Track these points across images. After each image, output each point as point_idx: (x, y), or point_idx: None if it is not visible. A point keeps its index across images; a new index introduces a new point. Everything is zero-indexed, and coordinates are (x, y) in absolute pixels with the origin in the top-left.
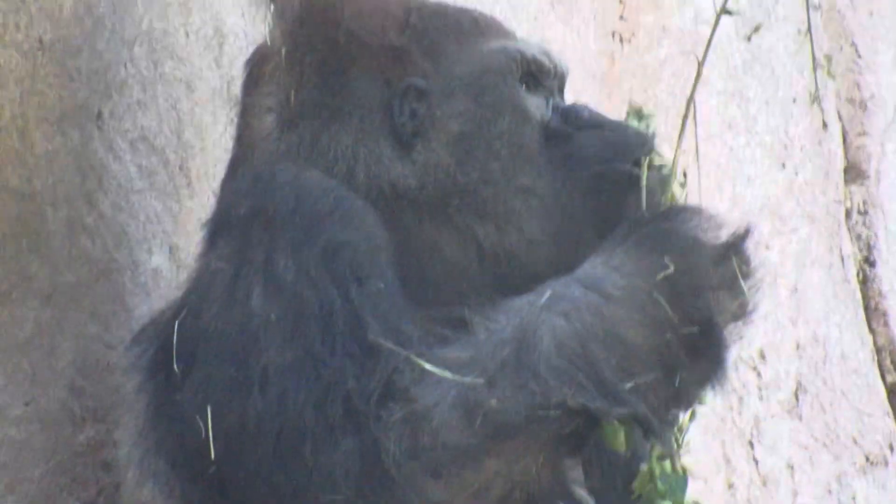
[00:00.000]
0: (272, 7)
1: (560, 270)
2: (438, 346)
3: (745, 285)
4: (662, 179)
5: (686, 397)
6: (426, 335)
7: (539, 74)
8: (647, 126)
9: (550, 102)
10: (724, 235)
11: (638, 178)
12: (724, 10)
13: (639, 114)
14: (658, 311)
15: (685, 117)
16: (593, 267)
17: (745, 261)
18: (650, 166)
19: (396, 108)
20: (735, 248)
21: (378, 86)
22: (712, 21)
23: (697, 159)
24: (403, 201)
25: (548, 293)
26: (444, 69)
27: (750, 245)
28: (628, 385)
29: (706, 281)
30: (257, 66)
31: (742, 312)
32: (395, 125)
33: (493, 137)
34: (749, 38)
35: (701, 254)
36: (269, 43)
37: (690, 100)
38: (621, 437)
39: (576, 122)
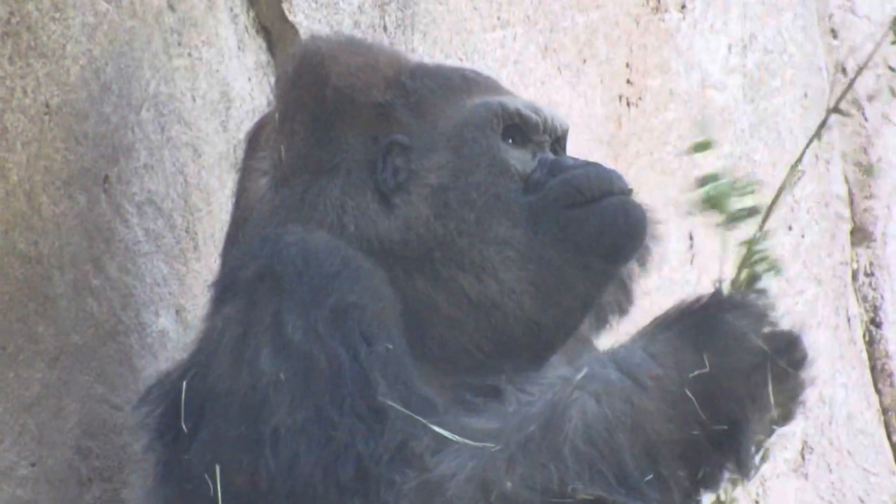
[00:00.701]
0: (277, 78)
1: (552, 318)
2: (464, 413)
3: (786, 387)
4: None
5: (706, 487)
6: (451, 400)
7: (525, 128)
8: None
9: (538, 156)
10: (773, 336)
11: (624, 208)
12: (836, 110)
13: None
14: (688, 408)
15: (774, 199)
16: (633, 350)
17: (793, 362)
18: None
19: (380, 165)
20: (782, 352)
21: (364, 142)
22: (719, 85)
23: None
24: (392, 257)
25: (584, 370)
26: (427, 125)
27: (801, 347)
28: (648, 476)
29: (741, 385)
30: (255, 134)
31: (783, 416)
32: (379, 181)
33: (470, 188)
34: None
35: (742, 356)
36: (268, 115)
37: (775, 200)
38: None
39: (557, 170)
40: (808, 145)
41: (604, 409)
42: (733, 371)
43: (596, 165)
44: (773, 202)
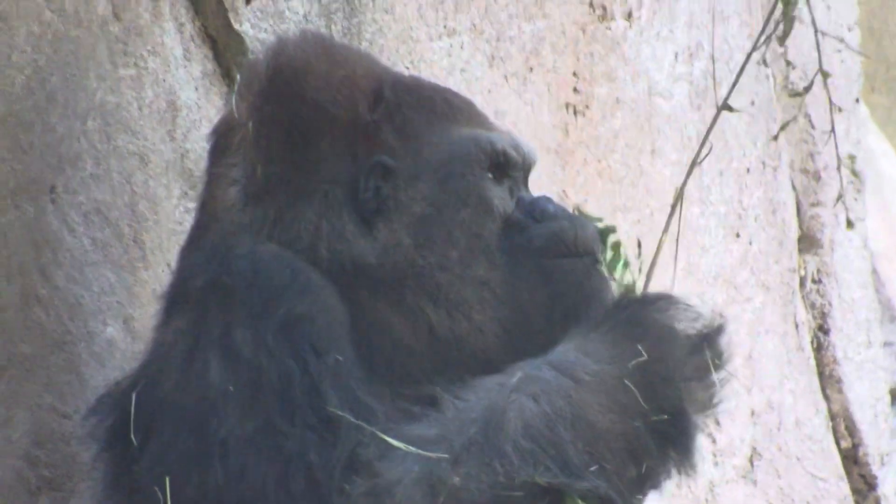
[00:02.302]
0: (239, 78)
1: (509, 358)
2: (405, 421)
3: (716, 377)
4: (616, 268)
5: (652, 481)
6: (392, 410)
7: (506, 166)
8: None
9: (515, 193)
10: (698, 326)
11: (595, 270)
12: (726, 107)
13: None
14: (628, 399)
15: (671, 214)
16: (566, 351)
17: (717, 353)
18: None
19: (362, 185)
20: (708, 340)
21: (345, 161)
22: (666, 93)
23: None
24: (362, 278)
25: (518, 374)
26: (413, 150)
27: (723, 338)
28: (593, 468)
29: (678, 371)
30: (223, 136)
31: (711, 403)
32: (359, 201)
33: (455, 225)
34: (776, 138)
35: (675, 344)
36: (235, 114)
37: (678, 197)
38: None
39: (536, 214)
40: (701, 147)
41: (542, 407)
42: (670, 358)
43: (578, 219)
44: (672, 214)
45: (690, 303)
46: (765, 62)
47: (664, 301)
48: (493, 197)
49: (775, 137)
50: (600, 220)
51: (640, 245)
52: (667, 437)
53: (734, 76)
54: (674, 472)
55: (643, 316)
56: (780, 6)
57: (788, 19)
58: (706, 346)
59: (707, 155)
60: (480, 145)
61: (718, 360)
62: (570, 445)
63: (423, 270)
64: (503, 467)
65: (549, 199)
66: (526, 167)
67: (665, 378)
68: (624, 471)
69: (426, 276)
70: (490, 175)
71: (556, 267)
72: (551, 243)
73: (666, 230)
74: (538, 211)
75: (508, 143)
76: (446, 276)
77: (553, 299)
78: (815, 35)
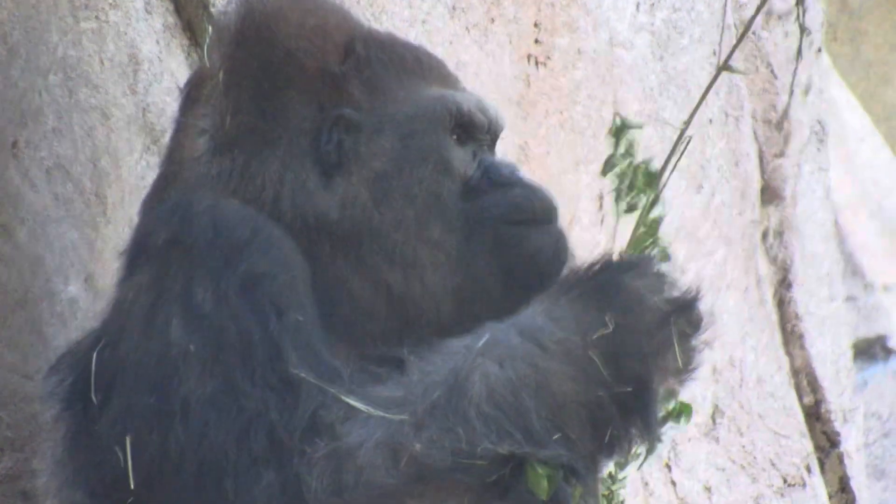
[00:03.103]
0: (211, 28)
1: (464, 322)
2: (369, 383)
3: (687, 348)
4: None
5: (615, 450)
6: (355, 371)
7: (471, 128)
8: (631, 140)
9: (477, 157)
10: (671, 296)
11: (550, 236)
12: (726, 67)
13: (624, 122)
14: (592, 369)
15: (661, 172)
16: (534, 316)
17: (691, 323)
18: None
19: (325, 135)
20: (679, 313)
21: (311, 110)
22: (627, 43)
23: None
24: (324, 233)
25: (485, 337)
26: (378, 105)
27: (696, 310)
28: (556, 436)
29: (644, 344)
30: (195, 87)
31: (682, 372)
32: (321, 153)
33: (413, 183)
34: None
35: (643, 315)
36: (206, 64)
37: (668, 160)
38: (544, 483)
39: (494, 179)
40: (697, 106)
41: (507, 373)
42: (635, 330)
43: (537, 188)
44: (663, 169)
45: (664, 267)
46: (734, 26)
47: (640, 268)
48: (453, 158)
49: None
50: (640, 126)
51: (601, 199)
52: (630, 408)
53: (697, 27)
54: (635, 441)
55: (615, 283)
56: None
57: None
58: (675, 319)
59: (691, 118)
60: (446, 105)
61: (692, 329)
62: (534, 413)
63: (381, 228)
64: (466, 434)
65: (507, 164)
66: (493, 132)
67: (630, 351)
68: (586, 439)
69: (383, 234)
70: (454, 136)
71: (513, 234)
72: (510, 210)
73: (658, 193)
74: (495, 175)
75: (475, 106)
76: (402, 235)
77: (509, 266)
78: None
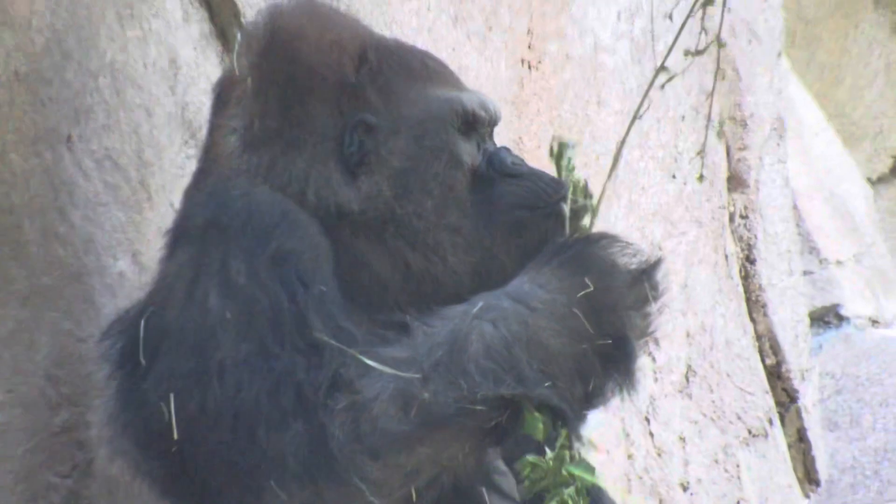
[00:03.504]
0: (239, 37)
1: (477, 291)
2: (381, 345)
3: (653, 306)
4: (577, 213)
5: (598, 399)
6: (369, 335)
7: (475, 123)
8: (570, 157)
9: (481, 146)
10: (637, 261)
11: (558, 217)
12: (663, 69)
13: (561, 145)
14: (576, 324)
15: (613, 165)
16: (521, 283)
17: (653, 286)
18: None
19: (347, 139)
20: (647, 273)
21: (333, 117)
22: (610, 49)
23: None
24: (345, 221)
25: (480, 304)
26: (393, 108)
27: (659, 272)
28: (546, 384)
29: (620, 300)
30: (225, 90)
31: (648, 329)
32: (344, 154)
33: (429, 178)
34: (663, 87)
35: (617, 277)
36: (235, 71)
37: (618, 152)
38: (539, 426)
39: (500, 168)
40: (641, 103)
41: (501, 331)
42: (612, 289)
43: (537, 174)
44: (615, 162)
45: (630, 241)
46: (705, 31)
47: (607, 240)
48: (462, 152)
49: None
50: (574, 145)
51: (585, 186)
52: (610, 358)
53: (671, 35)
54: (617, 389)
55: (589, 252)
56: None
57: None
58: (645, 279)
59: (646, 110)
60: (452, 105)
61: (655, 291)
62: (526, 364)
63: (402, 218)
64: (466, 383)
65: (507, 150)
66: (492, 123)
67: (609, 307)
68: (573, 387)
69: (405, 223)
70: (461, 132)
71: (519, 219)
72: (516, 199)
73: (610, 176)
74: (500, 164)
75: (477, 104)
76: (423, 224)
77: (516, 245)
78: (723, 10)
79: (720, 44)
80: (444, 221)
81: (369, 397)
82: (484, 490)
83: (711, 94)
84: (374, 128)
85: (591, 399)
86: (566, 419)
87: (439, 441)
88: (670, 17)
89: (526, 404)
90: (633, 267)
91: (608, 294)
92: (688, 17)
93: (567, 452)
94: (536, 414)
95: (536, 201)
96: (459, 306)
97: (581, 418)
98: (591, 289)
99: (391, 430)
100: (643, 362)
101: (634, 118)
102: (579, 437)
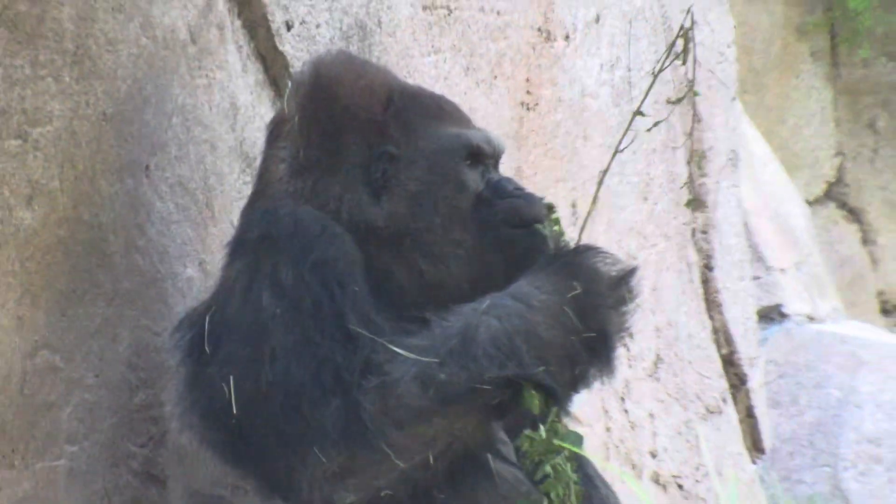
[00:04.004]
0: (290, 84)
1: (476, 295)
2: (405, 336)
3: (629, 306)
4: (556, 233)
5: (583, 382)
6: (395, 328)
7: (480, 156)
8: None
9: (485, 175)
10: (617, 269)
11: (537, 235)
12: (639, 112)
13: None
14: (566, 320)
15: (596, 192)
16: (521, 286)
17: (630, 290)
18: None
19: (373, 167)
20: (624, 279)
21: (362, 148)
22: (594, 94)
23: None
24: (372, 235)
25: (487, 302)
26: (411, 142)
27: (634, 278)
28: (541, 368)
29: (602, 301)
30: (277, 126)
31: (625, 325)
32: (371, 179)
33: (438, 200)
34: (649, 130)
35: (600, 282)
36: (286, 110)
37: (601, 180)
38: (535, 403)
39: (499, 193)
40: (622, 139)
41: (504, 325)
42: (596, 292)
43: (530, 196)
44: (598, 188)
45: (611, 252)
46: (672, 81)
47: (592, 251)
48: (467, 179)
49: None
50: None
51: (574, 206)
52: (594, 349)
53: (645, 84)
54: (598, 374)
55: (577, 262)
56: (680, 40)
57: (686, 49)
58: (623, 284)
59: (627, 147)
60: (461, 141)
61: (631, 294)
62: (525, 352)
63: (416, 233)
64: (476, 367)
65: (509, 179)
66: (496, 156)
67: (593, 306)
68: (563, 371)
69: (418, 237)
70: (467, 162)
71: (512, 235)
72: (509, 217)
73: (594, 200)
74: (500, 189)
75: (482, 140)
76: (432, 237)
77: (509, 257)
78: (693, 65)
79: (694, 93)
80: (450, 236)
81: (395, 378)
82: (489, 456)
83: (690, 134)
84: (395, 158)
85: (578, 382)
86: (557, 398)
87: (452, 415)
88: (654, 73)
89: (524, 385)
90: (613, 274)
91: (593, 296)
92: (659, 71)
93: (558, 426)
94: (533, 393)
95: (521, 219)
96: (470, 304)
97: (569, 398)
98: (579, 291)
99: (413, 405)
100: (620, 352)
101: (615, 153)
102: (568, 413)
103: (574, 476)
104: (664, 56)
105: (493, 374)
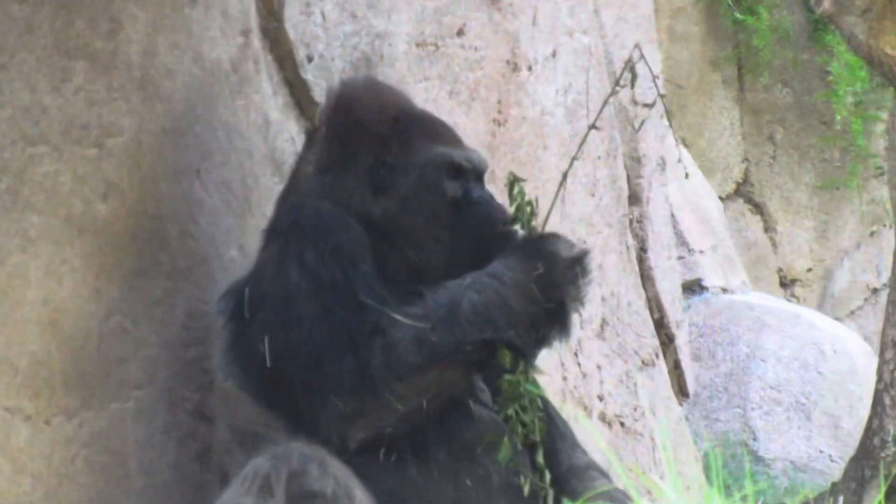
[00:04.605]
0: (323, 101)
1: (451, 277)
2: (404, 306)
3: (582, 283)
4: (528, 214)
5: (545, 343)
6: (396, 300)
7: (460, 170)
8: (521, 186)
9: (464, 186)
10: (573, 252)
11: (501, 234)
12: (594, 127)
13: (515, 179)
14: (532, 294)
15: (558, 190)
16: (496, 267)
17: (583, 268)
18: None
19: (376, 172)
20: (579, 261)
21: (369, 157)
22: (551, 113)
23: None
24: (373, 227)
25: (469, 279)
26: (407, 155)
27: (587, 260)
28: (512, 332)
29: (561, 278)
30: (310, 135)
31: (580, 298)
32: (374, 182)
33: (422, 204)
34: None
35: (559, 263)
36: (317, 123)
37: (562, 182)
38: (507, 359)
39: (472, 201)
40: (578, 150)
41: (483, 298)
42: (556, 271)
43: (497, 206)
44: (561, 185)
45: (569, 238)
46: (612, 103)
47: (553, 238)
48: (447, 188)
49: (593, 127)
50: (524, 180)
51: (537, 203)
52: (554, 316)
53: (596, 106)
54: (557, 336)
55: (540, 247)
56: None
57: (634, 76)
58: (577, 264)
59: (580, 154)
60: (445, 158)
61: (584, 272)
62: (499, 320)
63: (404, 227)
64: (461, 332)
65: (482, 190)
66: (476, 171)
67: (553, 283)
68: (529, 335)
69: (406, 232)
70: (450, 175)
71: (477, 233)
72: (481, 220)
73: (557, 194)
74: (473, 197)
75: (463, 158)
76: (416, 233)
77: (480, 249)
78: (654, 86)
79: (658, 103)
80: (431, 233)
81: (396, 339)
82: (470, 401)
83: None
84: (393, 167)
85: (541, 342)
86: (524, 355)
87: (441, 369)
88: (610, 94)
89: (498, 345)
90: (570, 256)
91: (553, 275)
92: (611, 95)
93: (523, 376)
94: (505, 351)
95: (487, 221)
96: (455, 281)
97: (534, 355)
98: (542, 271)
99: (411, 362)
100: (575, 318)
101: (573, 160)
102: (533, 366)
103: (540, 414)
104: (616, 80)
105: (475, 337)
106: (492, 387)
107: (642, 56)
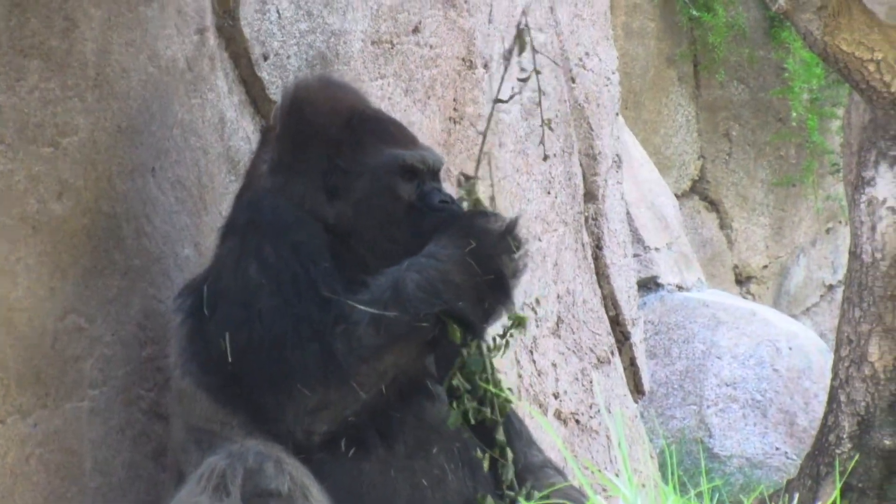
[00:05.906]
0: (279, 101)
1: None
2: (357, 294)
3: (518, 254)
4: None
5: (493, 315)
6: (351, 290)
7: (413, 172)
8: (474, 183)
9: (420, 187)
10: (502, 224)
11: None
12: (498, 100)
13: (466, 178)
14: (469, 267)
15: (482, 145)
16: (429, 248)
17: (515, 238)
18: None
19: (329, 175)
20: (508, 230)
21: (321, 159)
22: (507, 110)
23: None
24: (329, 229)
25: (406, 263)
26: (359, 158)
27: (520, 229)
28: (460, 304)
29: (494, 250)
30: (264, 134)
31: (518, 269)
32: (327, 185)
33: (376, 207)
34: (549, 125)
35: (490, 235)
36: (272, 122)
37: (479, 158)
38: (458, 333)
39: (427, 203)
40: (486, 127)
41: (423, 275)
42: (488, 244)
43: (451, 210)
44: (483, 141)
45: (496, 213)
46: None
47: (479, 214)
48: (401, 191)
49: (547, 125)
50: (478, 178)
51: (493, 199)
52: (495, 287)
53: (552, 104)
54: (503, 307)
55: (468, 224)
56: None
57: (522, 44)
58: (508, 234)
59: (485, 141)
60: (397, 160)
61: (517, 242)
62: (443, 291)
63: (359, 231)
64: (412, 307)
65: (438, 191)
66: (431, 170)
67: (486, 255)
68: (476, 307)
69: (361, 234)
70: (403, 176)
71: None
72: (435, 226)
73: (481, 147)
74: (429, 201)
75: (416, 159)
76: (371, 235)
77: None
78: (533, 57)
79: (537, 71)
80: (386, 235)
81: (355, 323)
82: (428, 382)
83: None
84: (346, 171)
85: (488, 315)
86: (474, 329)
87: (399, 349)
88: (505, 64)
89: (448, 322)
90: (500, 228)
91: (485, 247)
92: (507, 62)
93: (476, 350)
94: (455, 327)
95: (442, 226)
96: (394, 266)
97: (483, 329)
98: (474, 245)
99: (371, 343)
100: (517, 289)
101: (493, 104)
102: (484, 341)
103: (500, 392)
104: (512, 48)
105: (425, 310)
106: (441, 363)
107: (526, 24)
